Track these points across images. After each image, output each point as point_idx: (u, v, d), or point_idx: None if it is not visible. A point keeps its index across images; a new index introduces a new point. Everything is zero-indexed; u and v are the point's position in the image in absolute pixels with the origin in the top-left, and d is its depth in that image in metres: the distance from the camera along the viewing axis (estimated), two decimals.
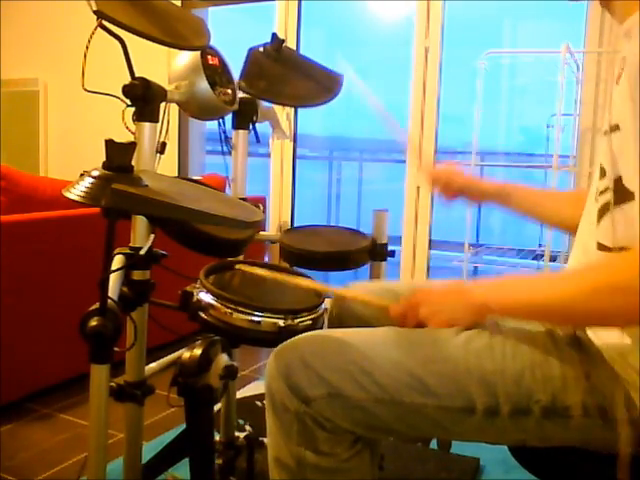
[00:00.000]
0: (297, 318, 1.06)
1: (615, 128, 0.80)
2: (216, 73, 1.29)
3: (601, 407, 0.80)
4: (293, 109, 3.14)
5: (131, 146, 0.91)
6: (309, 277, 1.21)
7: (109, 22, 1.00)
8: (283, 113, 3.12)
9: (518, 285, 0.87)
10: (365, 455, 0.88)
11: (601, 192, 0.84)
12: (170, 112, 1.26)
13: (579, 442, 0.83)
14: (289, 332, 1.00)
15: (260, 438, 1.49)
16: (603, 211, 0.83)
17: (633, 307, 0.70)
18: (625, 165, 0.77)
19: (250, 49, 1.47)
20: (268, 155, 3.45)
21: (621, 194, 0.78)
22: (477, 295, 0.87)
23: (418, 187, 3.09)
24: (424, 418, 0.84)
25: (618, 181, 0.79)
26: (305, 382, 0.83)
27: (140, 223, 1.18)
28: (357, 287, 1.20)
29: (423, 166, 1.35)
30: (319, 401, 0.83)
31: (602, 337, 0.84)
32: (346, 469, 0.85)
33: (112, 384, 1.13)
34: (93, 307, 1.00)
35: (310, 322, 1.08)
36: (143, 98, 1.14)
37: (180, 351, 1.11)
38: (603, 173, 0.84)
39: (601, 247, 0.83)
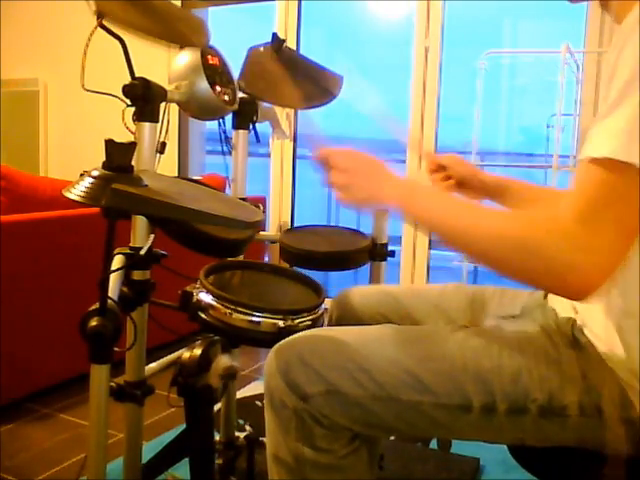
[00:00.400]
0: (297, 319, 1.06)
1: None
2: (216, 73, 1.29)
3: (598, 407, 0.80)
4: (293, 109, 3.14)
5: (131, 146, 0.91)
6: None
7: (109, 22, 1.00)
8: (283, 113, 3.12)
9: (432, 199, 0.85)
10: (363, 452, 0.88)
11: None
12: (170, 112, 1.26)
13: (576, 441, 0.83)
14: (289, 332, 1.00)
15: (260, 438, 1.49)
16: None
17: (531, 266, 0.70)
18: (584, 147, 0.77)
19: (250, 49, 1.47)
20: (268, 155, 3.45)
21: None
22: (392, 193, 0.86)
23: None
24: (421, 416, 0.84)
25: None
26: (303, 379, 0.84)
27: (140, 223, 1.18)
28: (356, 291, 1.20)
29: (424, 157, 1.34)
30: (317, 398, 0.83)
31: (599, 336, 0.85)
32: (344, 466, 0.86)
33: (112, 384, 1.13)
34: (93, 307, 1.00)
35: (310, 322, 1.08)
36: (143, 98, 1.14)
37: (180, 351, 1.11)
38: None
39: None
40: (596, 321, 0.85)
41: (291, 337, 0.90)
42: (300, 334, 0.91)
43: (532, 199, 1.17)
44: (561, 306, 0.95)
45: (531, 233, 0.71)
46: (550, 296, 1.02)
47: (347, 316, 1.16)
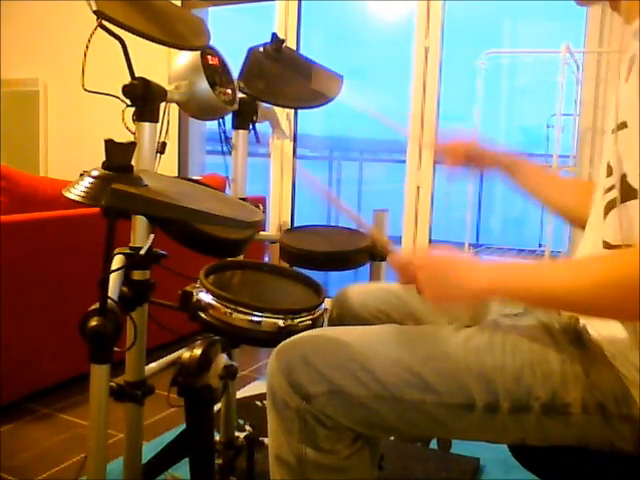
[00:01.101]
0: (297, 318, 1.06)
1: (622, 126, 0.80)
2: (216, 73, 1.29)
3: (601, 404, 0.80)
4: (293, 109, 3.14)
5: (131, 146, 0.91)
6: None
7: (109, 22, 1.00)
8: (283, 113, 3.12)
9: (522, 272, 0.85)
10: (365, 453, 0.88)
11: (607, 190, 0.85)
12: (170, 112, 1.26)
13: (579, 440, 0.83)
14: (289, 332, 1.00)
15: (260, 438, 1.49)
16: (608, 209, 0.83)
17: (632, 303, 0.70)
18: (630, 162, 0.77)
19: (250, 49, 1.47)
20: (268, 155, 3.45)
21: (626, 191, 0.78)
22: (481, 280, 0.84)
23: (418, 187, 3.09)
24: (424, 415, 0.84)
25: (623, 178, 0.79)
26: (306, 379, 0.84)
27: (140, 223, 1.18)
28: (356, 289, 1.20)
29: (430, 139, 1.33)
30: (320, 398, 0.83)
31: (603, 334, 0.85)
32: (346, 467, 0.86)
33: (112, 384, 1.13)
34: (93, 307, 1.00)
35: (310, 322, 1.08)
36: (143, 98, 1.14)
37: (180, 351, 1.11)
38: (610, 171, 0.84)
39: (606, 245, 0.84)
40: (599, 318, 0.85)
41: (293, 337, 0.90)
42: (302, 334, 0.90)
43: (540, 183, 1.18)
44: None
45: (627, 270, 0.71)
46: None
47: (347, 315, 1.15)
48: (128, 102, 1.14)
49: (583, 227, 0.98)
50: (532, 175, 1.19)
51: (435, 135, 1.24)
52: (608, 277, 0.73)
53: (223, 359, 1.13)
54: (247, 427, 1.56)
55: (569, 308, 0.82)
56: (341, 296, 1.18)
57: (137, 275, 1.17)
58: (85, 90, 1.10)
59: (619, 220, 0.80)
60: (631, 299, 0.70)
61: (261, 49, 1.49)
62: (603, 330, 0.84)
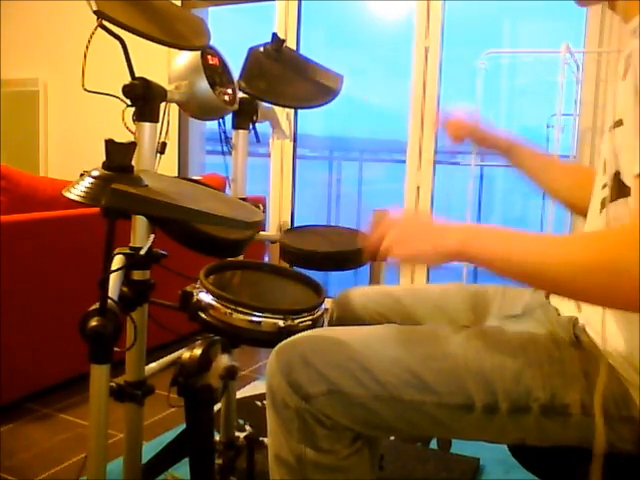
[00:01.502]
0: (297, 318, 1.06)
1: (619, 123, 0.80)
2: (216, 73, 1.29)
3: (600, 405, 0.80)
4: (293, 109, 3.14)
5: (131, 146, 0.91)
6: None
7: (109, 22, 1.00)
8: (283, 113, 3.12)
9: (502, 238, 0.80)
10: (365, 453, 0.88)
11: (603, 186, 0.85)
12: (170, 112, 1.26)
13: (578, 441, 0.83)
14: (289, 332, 1.00)
15: (260, 438, 1.49)
16: (602, 205, 0.84)
17: (622, 287, 0.67)
18: (624, 159, 0.78)
19: (250, 49, 1.47)
20: (268, 155, 3.45)
21: (618, 188, 0.78)
22: (451, 242, 0.80)
23: (418, 187, 3.10)
24: (423, 415, 0.84)
25: (616, 176, 0.79)
26: (305, 379, 0.84)
27: (140, 223, 1.18)
28: (357, 291, 1.20)
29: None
30: (319, 398, 0.83)
31: (602, 336, 0.84)
32: (346, 467, 0.86)
33: (112, 384, 1.13)
34: (93, 307, 1.00)
35: (310, 322, 1.08)
36: (143, 98, 1.14)
37: (180, 351, 1.11)
38: (604, 169, 0.84)
39: None
40: (599, 320, 0.84)
41: (293, 337, 0.90)
42: (302, 334, 0.91)
43: (540, 168, 1.18)
44: (564, 305, 0.95)
45: (610, 252, 0.69)
46: (552, 295, 1.01)
47: (348, 317, 1.16)
48: (128, 102, 1.14)
49: (582, 213, 0.98)
50: (531, 158, 1.20)
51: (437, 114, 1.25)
52: (594, 259, 0.70)
53: (223, 359, 1.13)
54: (247, 427, 1.56)
55: (552, 285, 0.77)
56: (342, 298, 1.18)
57: (137, 275, 1.17)
58: (85, 90, 1.10)
59: (609, 218, 0.80)
60: (622, 283, 0.67)
61: (261, 49, 1.49)
62: (602, 331, 0.84)
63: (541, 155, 1.22)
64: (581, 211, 0.99)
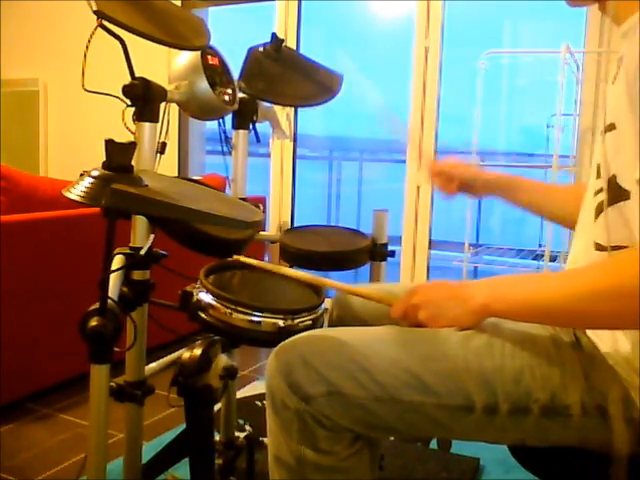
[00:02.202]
0: (297, 318, 1.06)
1: (611, 127, 0.80)
2: (216, 73, 1.29)
3: (600, 406, 0.80)
4: (293, 109, 3.14)
5: (131, 146, 0.91)
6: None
7: (109, 22, 1.00)
8: (283, 113, 3.11)
9: (518, 284, 0.86)
10: (365, 454, 0.88)
11: (597, 192, 0.85)
12: (170, 112, 1.26)
13: (578, 442, 0.83)
14: (289, 332, 1.00)
15: (260, 438, 1.49)
16: (599, 210, 0.83)
17: (631, 310, 0.69)
18: (620, 163, 0.77)
19: (250, 49, 1.47)
20: (268, 155, 3.45)
21: (615, 193, 0.78)
22: (477, 296, 0.86)
23: (418, 187, 3.09)
24: (423, 416, 0.84)
25: (612, 180, 0.79)
26: (305, 380, 0.84)
27: (140, 223, 1.18)
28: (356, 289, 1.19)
29: (424, 162, 1.35)
30: (319, 399, 0.83)
31: (602, 337, 0.85)
32: (345, 468, 0.86)
33: (112, 384, 1.13)
34: (93, 307, 1.00)
35: (310, 322, 1.08)
36: (143, 98, 1.14)
37: (180, 351, 1.11)
38: (598, 173, 0.84)
39: (598, 247, 0.84)
40: None
41: (292, 338, 0.90)
42: (301, 335, 0.90)
43: (544, 196, 1.18)
44: None
45: (613, 279, 0.72)
46: None
47: (347, 316, 1.15)
48: (128, 102, 1.14)
49: None
50: (531, 190, 1.19)
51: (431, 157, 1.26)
52: (605, 285, 0.73)
53: (223, 359, 1.13)
54: (247, 427, 1.56)
55: (567, 319, 0.81)
56: (341, 298, 1.18)
57: (137, 275, 1.17)
58: (85, 90, 1.10)
59: (607, 222, 0.80)
60: (629, 306, 0.70)
61: (261, 49, 1.49)
62: (602, 333, 0.84)
63: (541, 185, 1.21)
64: None
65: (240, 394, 1.97)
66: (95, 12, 0.98)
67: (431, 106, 3.03)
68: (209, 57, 1.28)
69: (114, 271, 1.07)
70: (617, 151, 0.78)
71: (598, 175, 0.85)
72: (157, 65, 1.97)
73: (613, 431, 0.79)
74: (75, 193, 0.82)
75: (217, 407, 1.34)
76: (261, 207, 1.28)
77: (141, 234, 1.18)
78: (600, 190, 0.83)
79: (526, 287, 0.84)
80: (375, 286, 1.26)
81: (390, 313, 0.96)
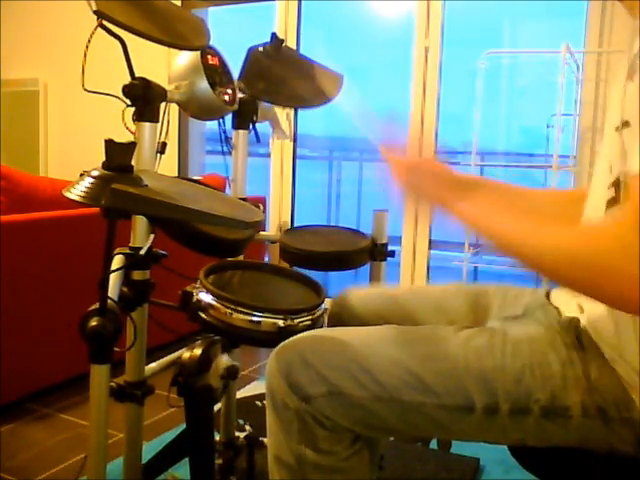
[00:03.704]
0: (297, 318, 1.06)
1: (626, 124, 0.80)
2: (216, 73, 1.29)
3: (601, 407, 0.80)
4: (293, 109, 3.14)
5: (131, 146, 0.91)
6: None
7: (109, 22, 1.00)
8: (283, 113, 3.11)
9: (497, 215, 0.84)
10: (365, 454, 0.88)
11: (608, 187, 0.84)
12: (170, 112, 1.26)
13: (578, 442, 0.83)
14: (289, 332, 1.00)
15: (260, 438, 1.49)
16: (607, 206, 0.83)
17: (599, 281, 0.68)
18: (630, 160, 0.77)
19: (250, 49, 1.47)
20: (268, 155, 3.45)
21: (625, 190, 0.78)
22: (453, 200, 0.88)
23: None
24: (423, 416, 0.84)
25: (624, 176, 0.78)
26: (305, 380, 0.84)
27: (140, 223, 1.18)
28: (356, 292, 1.19)
29: (390, 159, 1.28)
30: (319, 399, 0.83)
31: (603, 337, 0.84)
32: (345, 468, 0.86)
33: (112, 384, 1.13)
34: (93, 307, 1.00)
35: (310, 322, 1.08)
36: (143, 98, 1.14)
37: (180, 351, 1.11)
38: (609, 170, 0.84)
39: None
40: (601, 321, 0.84)
41: (293, 338, 0.90)
42: (302, 335, 0.90)
43: (533, 202, 1.16)
44: (566, 306, 0.94)
45: (593, 245, 0.70)
46: (553, 295, 1.01)
47: (347, 317, 1.15)
48: (128, 102, 1.14)
49: None
50: (528, 198, 1.16)
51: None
52: (577, 251, 0.71)
53: (223, 359, 1.13)
54: (247, 427, 1.56)
55: (521, 255, 0.79)
56: (342, 299, 1.18)
57: (137, 275, 1.17)
58: (85, 90, 1.10)
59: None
60: (591, 278, 0.69)
61: (261, 49, 1.49)
62: (604, 333, 0.84)
63: (507, 185, 1.17)
64: None
65: (240, 394, 1.97)
66: (95, 12, 0.98)
67: (431, 106, 3.03)
68: (209, 57, 1.28)
69: (114, 271, 1.07)
70: (629, 149, 0.78)
71: (611, 171, 0.84)
72: (157, 65, 1.97)
73: (612, 431, 0.79)
74: (75, 193, 0.82)
75: (217, 407, 1.34)
76: (261, 207, 1.29)
77: (141, 234, 1.18)
78: (609, 187, 0.83)
79: (503, 223, 0.82)
80: (376, 289, 1.25)
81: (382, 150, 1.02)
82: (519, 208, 0.91)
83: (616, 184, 0.81)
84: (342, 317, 1.16)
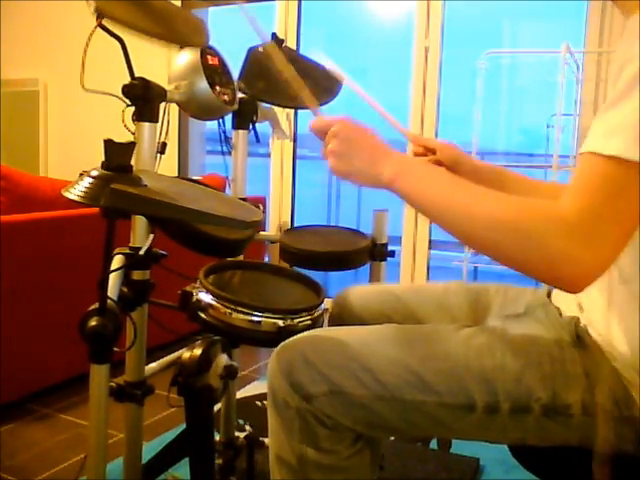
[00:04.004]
0: (296, 318, 1.06)
1: None
2: (216, 73, 1.29)
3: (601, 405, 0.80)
4: (293, 109, 3.13)
5: (130, 146, 0.91)
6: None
7: (109, 21, 1.00)
8: (283, 113, 3.11)
9: (428, 179, 0.82)
10: (366, 454, 0.88)
11: None
12: (170, 112, 1.26)
13: (579, 441, 0.83)
14: (289, 332, 1.00)
15: (260, 438, 1.49)
16: None
17: (529, 251, 0.69)
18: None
19: (250, 49, 1.47)
20: (268, 155, 3.45)
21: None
22: (386, 171, 0.82)
23: None
24: (424, 415, 0.84)
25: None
26: (306, 379, 0.84)
27: (140, 223, 1.18)
28: (357, 290, 1.20)
29: (411, 136, 1.29)
30: (320, 398, 0.83)
31: (603, 336, 0.85)
32: (347, 467, 0.86)
33: (112, 384, 1.13)
34: (93, 307, 1.00)
35: (310, 322, 1.08)
36: (143, 98, 1.14)
37: (180, 351, 1.11)
38: None
39: None
40: (601, 320, 0.84)
41: (293, 337, 0.90)
42: (303, 334, 0.90)
43: (528, 190, 1.16)
44: (566, 305, 0.94)
45: (530, 219, 0.70)
46: (554, 295, 1.01)
47: (348, 316, 1.15)
48: (128, 102, 1.14)
49: None
50: (520, 184, 1.16)
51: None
52: (509, 217, 0.71)
53: (223, 359, 1.13)
54: (247, 427, 1.56)
55: (459, 230, 0.77)
56: (342, 298, 1.18)
57: (137, 275, 1.17)
58: (85, 90, 1.10)
59: None
60: (520, 245, 0.69)
61: (261, 49, 1.49)
62: (604, 332, 0.84)
63: (530, 179, 1.16)
64: None
65: (240, 394, 1.97)
66: (95, 12, 0.98)
67: (431, 106, 3.03)
68: (209, 57, 1.28)
69: (114, 271, 1.07)
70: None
71: None
72: (157, 65, 1.97)
73: (612, 430, 0.79)
74: (75, 193, 0.82)
75: (217, 407, 1.34)
76: (261, 207, 1.28)
77: (141, 234, 1.18)
78: None
79: (435, 182, 0.81)
80: (376, 287, 1.25)
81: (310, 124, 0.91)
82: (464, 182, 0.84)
83: None
84: (342, 317, 1.16)
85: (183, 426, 1.17)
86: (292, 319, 1.06)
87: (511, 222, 0.71)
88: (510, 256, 0.72)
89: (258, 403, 2.00)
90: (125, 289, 1.13)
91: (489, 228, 0.72)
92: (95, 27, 1.01)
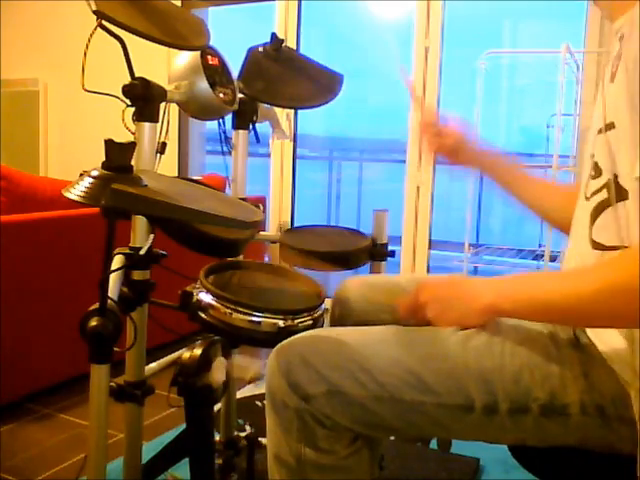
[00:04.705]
0: (297, 318, 1.06)
1: (610, 126, 0.80)
2: (216, 73, 1.29)
3: (599, 406, 0.80)
4: (293, 109, 3.14)
5: (131, 146, 0.91)
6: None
7: (109, 22, 1.00)
8: (283, 113, 3.12)
9: (524, 284, 0.85)
10: (364, 454, 0.88)
11: (594, 192, 0.85)
12: (170, 112, 1.26)
13: (578, 441, 0.83)
14: (289, 332, 1.00)
15: (260, 438, 1.49)
16: (599, 210, 0.83)
17: (629, 309, 0.70)
18: (621, 162, 0.78)
19: (250, 49, 1.47)
20: (268, 155, 3.45)
21: (618, 192, 0.78)
22: (484, 296, 0.85)
23: (418, 187, 3.09)
24: (423, 416, 0.84)
25: (615, 179, 0.79)
26: (305, 379, 0.84)
27: (140, 223, 1.18)
28: (356, 280, 1.19)
29: (424, 111, 1.29)
30: (319, 398, 0.83)
31: (600, 336, 0.85)
32: (345, 467, 0.86)
33: (112, 384, 1.13)
34: (93, 307, 1.00)
35: (310, 322, 1.08)
36: (143, 98, 1.14)
37: (180, 351, 1.11)
38: (598, 172, 0.84)
39: (597, 246, 0.84)
40: None
41: (292, 337, 0.90)
42: (302, 334, 0.90)
43: (538, 195, 1.16)
44: None
45: (624, 276, 0.71)
46: None
47: (348, 315, 1.15)
48: (128, 102, 1.14)
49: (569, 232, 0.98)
50: (514, 176, 1.17)
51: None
52: (608, 282, 0.73)
53: (223, 359, 1.13)
54: (247, 427, 1.56)
55: (570, 318, 0.81)
56: (342, 297, 1.18)
57: (137, 275, 1.17)
58: (85, 90, 1.10)
59: (615, 220, 0.80)
60: (628, 305, 0.70)
61: (261, 49, 1.49)
62: (601, 332, 0.84)
63: (541, 181, 1.19)
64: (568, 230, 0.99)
65: (240, 394, 1.97)
66: (95, 12, 0.98)
67: (431, 106, 3.03)
68: (209, 57, 1.28)
69: (114, 271, 1.07)
70: (617, 150, 0.78)
71: (596, 174, 0.85)
72: (157, 65, 1.97)
73: (610, 430, 0.79)
74: (75, 193, 0.82)
75: (217, 407, 1.34)
76: (261, 207, 1.29)
77: (141, 234, 1.18)
78: (599, 189, 0.83)
79: (531, 286, 0.83)
80: (378, 277, 1.25)
81: (399, 311, 0.96)
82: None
83: (608, 186, 0.81)
84: (342, 317, 1.16)
85: (183, 426, 1.17)
86: (292, 319, 1.05)
87: (614, 284, 0.73)
88: (606, 321, 0.77)
89: (258, 403, 2.00)
90: (125, 289, 1.13)
91: (598, 301, 0.75)
92: (95, 27, 1.01)
